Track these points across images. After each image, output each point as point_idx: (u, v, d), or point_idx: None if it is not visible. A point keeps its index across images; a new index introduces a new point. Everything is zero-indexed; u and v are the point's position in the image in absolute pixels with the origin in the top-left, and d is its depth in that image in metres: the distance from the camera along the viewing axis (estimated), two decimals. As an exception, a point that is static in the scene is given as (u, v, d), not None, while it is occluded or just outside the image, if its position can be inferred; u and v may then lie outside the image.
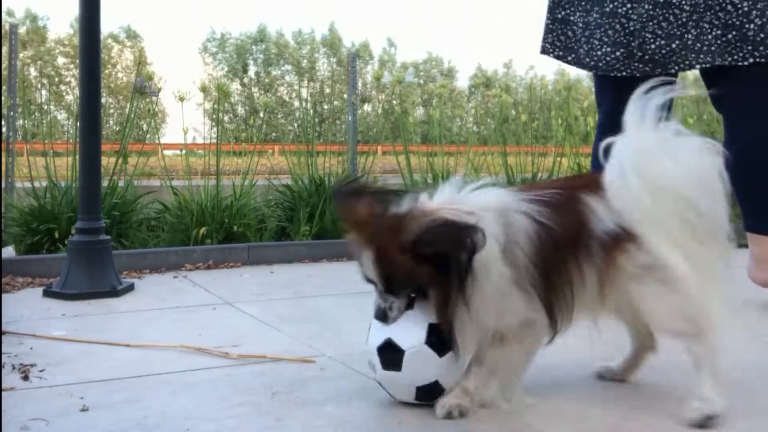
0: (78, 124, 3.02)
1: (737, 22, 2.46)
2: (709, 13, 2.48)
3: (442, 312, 1.46)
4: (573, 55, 2.83)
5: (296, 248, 3.88)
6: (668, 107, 2.87)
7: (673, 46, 2.50)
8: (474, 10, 62.11)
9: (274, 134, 13.92)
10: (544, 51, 2.84)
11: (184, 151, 5.00)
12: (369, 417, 1.50)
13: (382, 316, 1.51)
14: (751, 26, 2.45)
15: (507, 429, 1.45)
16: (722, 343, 1.50)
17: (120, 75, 28.00)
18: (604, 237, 1.48)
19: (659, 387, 1.72)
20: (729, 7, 2.46)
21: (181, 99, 4.36)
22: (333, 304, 2.72)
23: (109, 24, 30.42)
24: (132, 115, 4.32)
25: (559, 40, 2.81)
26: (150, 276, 3.34)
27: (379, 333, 1.55)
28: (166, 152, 5.81)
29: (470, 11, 62.23)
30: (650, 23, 2.52)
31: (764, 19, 2.44)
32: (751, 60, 2.46)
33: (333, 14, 66.74)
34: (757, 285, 2.77)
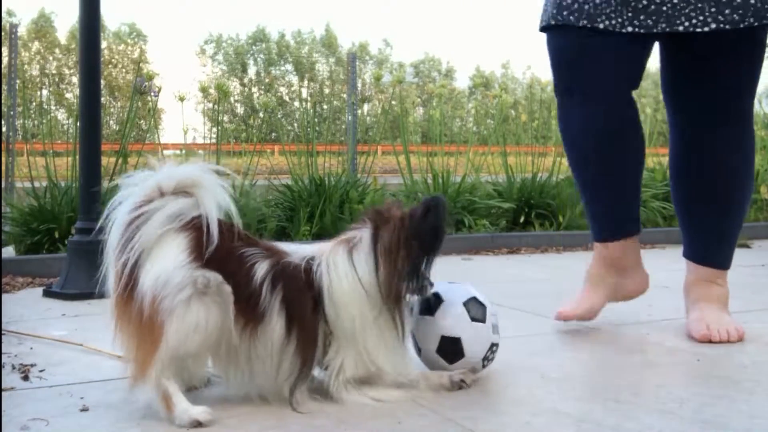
0: (78, 124, 3.02)
1: None
2: None
3: None
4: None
5: (296, 248, 3.86)
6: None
7: None
8: (471, 11, 62.13)
9: (273, 134, 13.92)
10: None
11: (184, 151, 5.00)
12: (369, 417, 1.50)
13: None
14: None
15: (507, 428, 1.45)
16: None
17: (120, 74, 28.00)
18: None
19: (660, 387, 1.72)
20: None
21: (181, 99, 4.36)
22: (333, 304, 2.71)
23: (112, 23, 30.51)
24: (132, 115, 4.32)
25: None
26: (150, 276, 3.33)
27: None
28: (166, 152, 5.81)
29: (467, 12, 62.24)
30: None
31: None
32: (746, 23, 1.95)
33: (329, 15, 66.80)
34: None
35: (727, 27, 1.95)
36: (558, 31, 2.22)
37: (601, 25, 2.07)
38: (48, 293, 2.86)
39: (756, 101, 7.58)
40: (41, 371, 1.83)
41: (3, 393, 1.63)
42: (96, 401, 1.60)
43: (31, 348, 2.06)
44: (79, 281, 2.84)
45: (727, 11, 1.95)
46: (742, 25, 1.95)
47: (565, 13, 2.14)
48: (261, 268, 1.50)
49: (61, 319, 2.46)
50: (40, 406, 1.57)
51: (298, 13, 58.59)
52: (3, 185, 4.61)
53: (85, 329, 2.31)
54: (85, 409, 1.55)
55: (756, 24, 1.96)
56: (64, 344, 2.10)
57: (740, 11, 1.94)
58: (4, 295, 2.86)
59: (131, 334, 1.46)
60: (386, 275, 1.54)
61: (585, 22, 2.10)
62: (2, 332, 2.18)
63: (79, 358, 1.97)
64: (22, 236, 3.63)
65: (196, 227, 1.49)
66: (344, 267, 1.55)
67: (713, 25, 1.96)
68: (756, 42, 2.12)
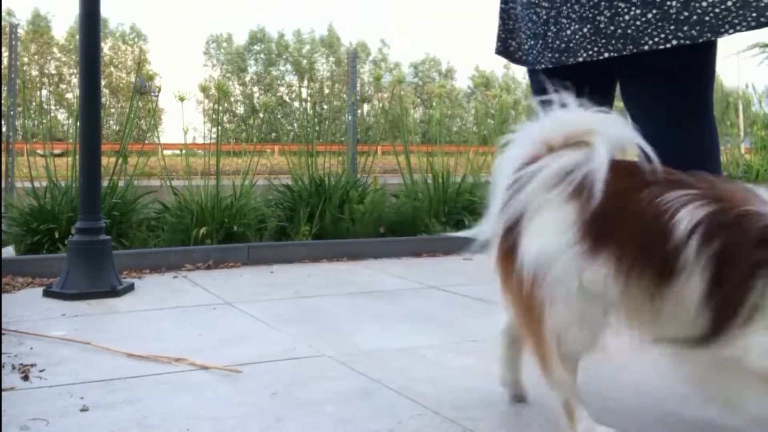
0: (78, 124, 3.02)
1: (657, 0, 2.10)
2: None
3: None
4: (499, 44, 2.46)
5: (296, 248, 3.88)
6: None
7: (584, 30, 2.16)
8: (471, 11, 62.20)
9: (274, 134, 13.92)
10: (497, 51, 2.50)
11: (183, 151, 5.00)
12: (369, 417, 1.50)
13: None
14: (674, 3, 2.08)
15: (507, 428, 1.45)
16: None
17: (122, 75, 28.03)
18: None
19: (660, 387, 1.72)
20: None
21: (181, 99, 4.36)
22: (333, 304, 2.72)
23: (112, 23, 30.56)
24: (132, 115, 4.32)
25: (502, 32, 2.48)
26: (150, 276, 3.34)
27: None
28: (166, 152, 5.81)
29: (467, 12, 62.30)
30: (564, 7, 2.17)
31: None
32: (674, 42, 2.05)
33: (329, 15, 66.88)
34: None
35: (687, 42, 2.05)
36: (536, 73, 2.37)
37: (581, 58, 2.20)
38: (48, 293, 2.86)
39: (756, 101, 7.50)
40: (41, 371, 1.83)
41: (3, 393, 1.64)
42: (96, 401, 1.60)
43: (31, 348, 2.06)
44: (79, 281, 2.84)
45: (685, 28, 2.06)
46: (700, 40, 2.06)
47: (553, 54, 2.26)
48: (686, 218, 1.23)
49: (61, 319, 2.46)
50: (40, 406, 1.57)
51: (299, 13, 58.59)
52: (3, 185, 4.61)
53: (85, 329, 2.31)
54: (85, 409, 1.55)
55: (713, 38, 2.07)
56: (64, 344, 2.10)
57: (697, 27, 2.05)
58: (4, 295, 2.86)
59: (515, 302, 1.37)
60: None
61: (572, 60, 2.22)
62: (2, 332, 2.18)
63: (79, 358, 1.97)
64: (22, 236, 3.64)
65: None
66: None
67: (674, 42, 2.06)
68: (693, 56, 2.18)
